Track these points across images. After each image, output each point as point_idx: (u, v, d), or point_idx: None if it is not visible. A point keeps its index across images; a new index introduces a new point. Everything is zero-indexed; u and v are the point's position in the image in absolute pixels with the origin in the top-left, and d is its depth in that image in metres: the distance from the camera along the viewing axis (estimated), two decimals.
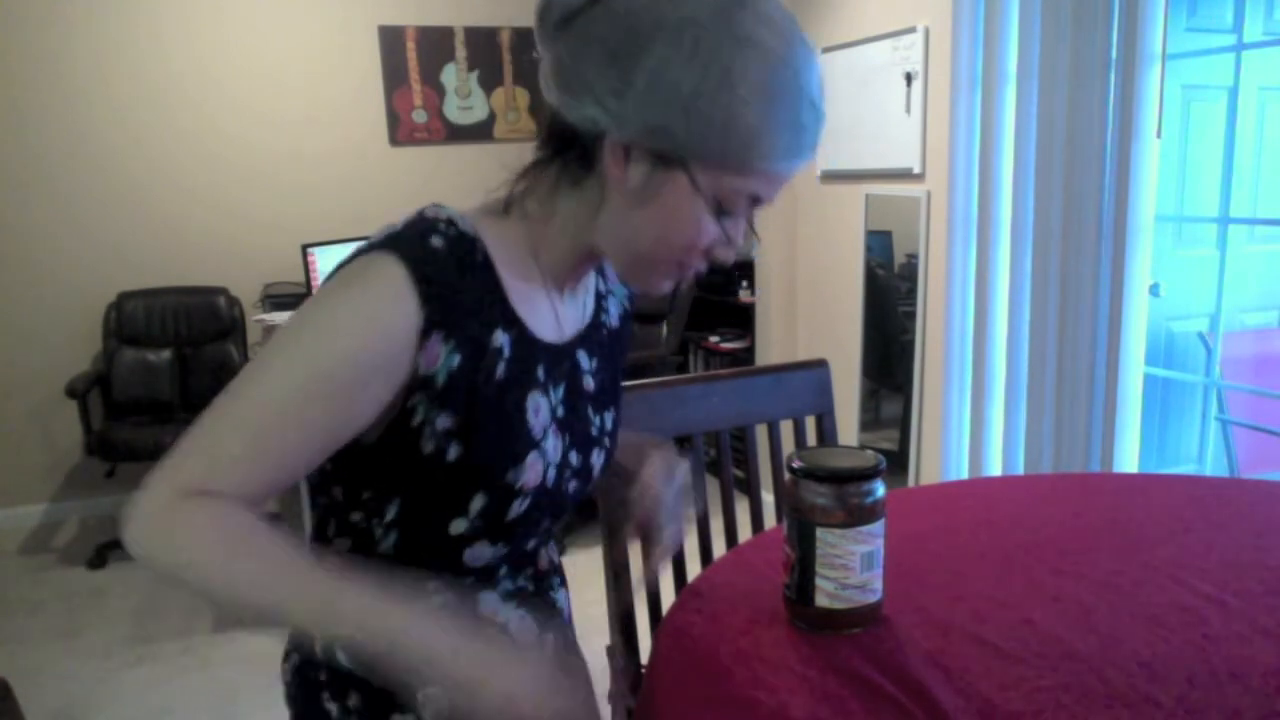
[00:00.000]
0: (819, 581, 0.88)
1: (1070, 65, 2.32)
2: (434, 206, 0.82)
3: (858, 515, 0.86)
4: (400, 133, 4.26)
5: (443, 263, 0.77)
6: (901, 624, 0.96)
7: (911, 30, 3.06)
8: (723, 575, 1.10)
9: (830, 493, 0.88)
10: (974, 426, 2.81)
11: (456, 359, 0.78)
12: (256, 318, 3.39)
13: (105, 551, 3.55)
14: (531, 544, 0.93)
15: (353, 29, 4.15)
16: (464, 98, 4.33)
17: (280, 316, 3.26)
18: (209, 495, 0.72)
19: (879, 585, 0.91)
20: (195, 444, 0.73)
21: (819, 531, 0.86)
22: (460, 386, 0.78)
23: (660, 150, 0.74)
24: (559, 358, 0.89)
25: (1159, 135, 2.22)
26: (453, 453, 0.80)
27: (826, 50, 3.56)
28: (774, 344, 4.00)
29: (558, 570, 1.03)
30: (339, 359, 0.74)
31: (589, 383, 0.93)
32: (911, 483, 3.28)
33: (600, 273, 0.99)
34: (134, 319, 3.83)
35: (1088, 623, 0.95)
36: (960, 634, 0.93)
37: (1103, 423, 2.37)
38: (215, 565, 0.71)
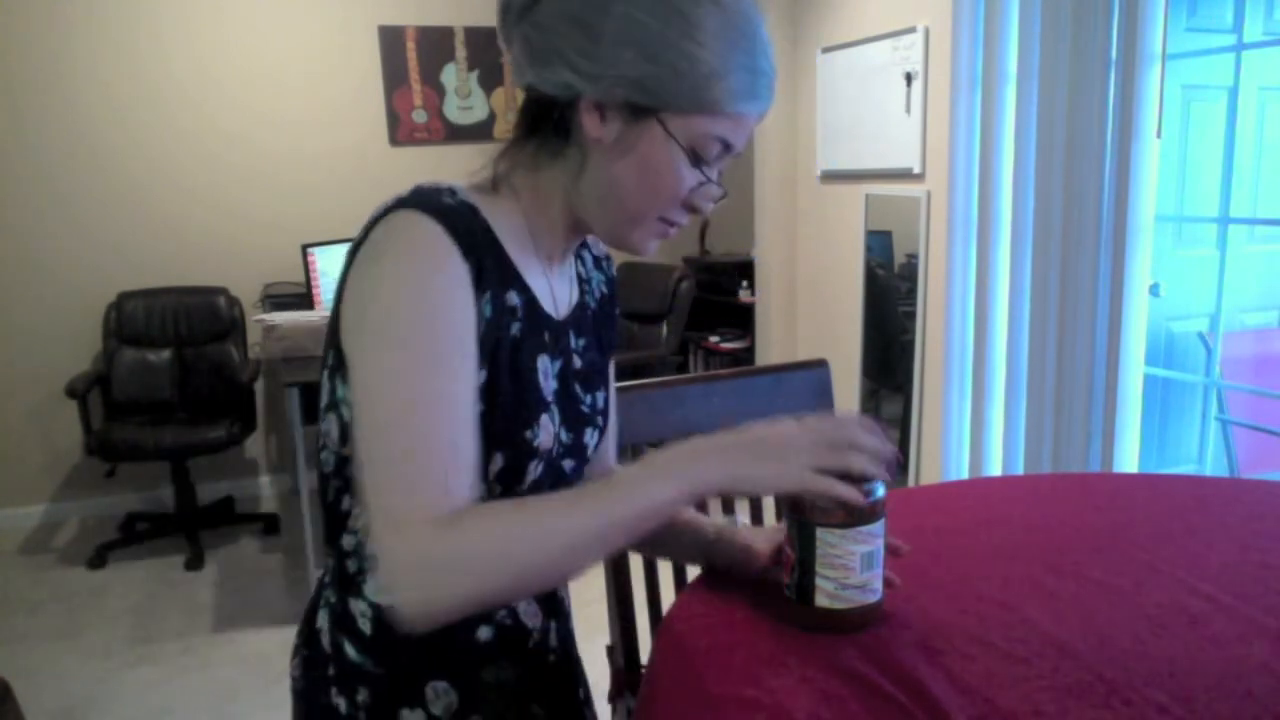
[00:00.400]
0: (819, 582, 0.88)
1: (1070, 65, 2.32)
2: (427, 182, 0.84)
3: (858, 515, 0.85)
4: (400, 133, 4.26)
5: (464, 219, 0.80)
6: (901, 624, 0.96)
7: (911, 30, 3.06)
8: (723, 575, 1.10)
9: None
10: (974, 426, 2.81)
11: (489, 311, 0.80)
12: (256, 318, 3.39)
13: (105, 551, 3.55)
14: None
15: (353, 29, 4.15)
16: (464, 98, 4.33)
17: (280, 316, 3.25)
18: (435, 519, 0.71)
19: (879, 585, 0.91)
20: (387, 485, 0.72)
21: (819, 532, 0.86)
22: (489, 340, 0.80)
23: (633, 102, 0.78)
24: (557, 332, 0.91)
25: (1159, 135, 2.22)
26: (479, 408, 0.80)
27: (826, 50, 3.56)
28: (774, 344, 4.00)
29: None
30: (435, 326, 0.74)
31: (577, 362, 0.95)
32: (911, 483, 3.28)
33: (578, 256, 1.01)
34: (134, 319, 3.83)
35: (1088, 623, 0.95)
36: (960, 634, 0.93)
37: (1103, 423, 2.38)
38: (504, 558, 0.71)
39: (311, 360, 3.19)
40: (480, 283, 0.79)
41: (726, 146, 0.82)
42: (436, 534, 0.70)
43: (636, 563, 1.53)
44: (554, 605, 0.99)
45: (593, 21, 0.77)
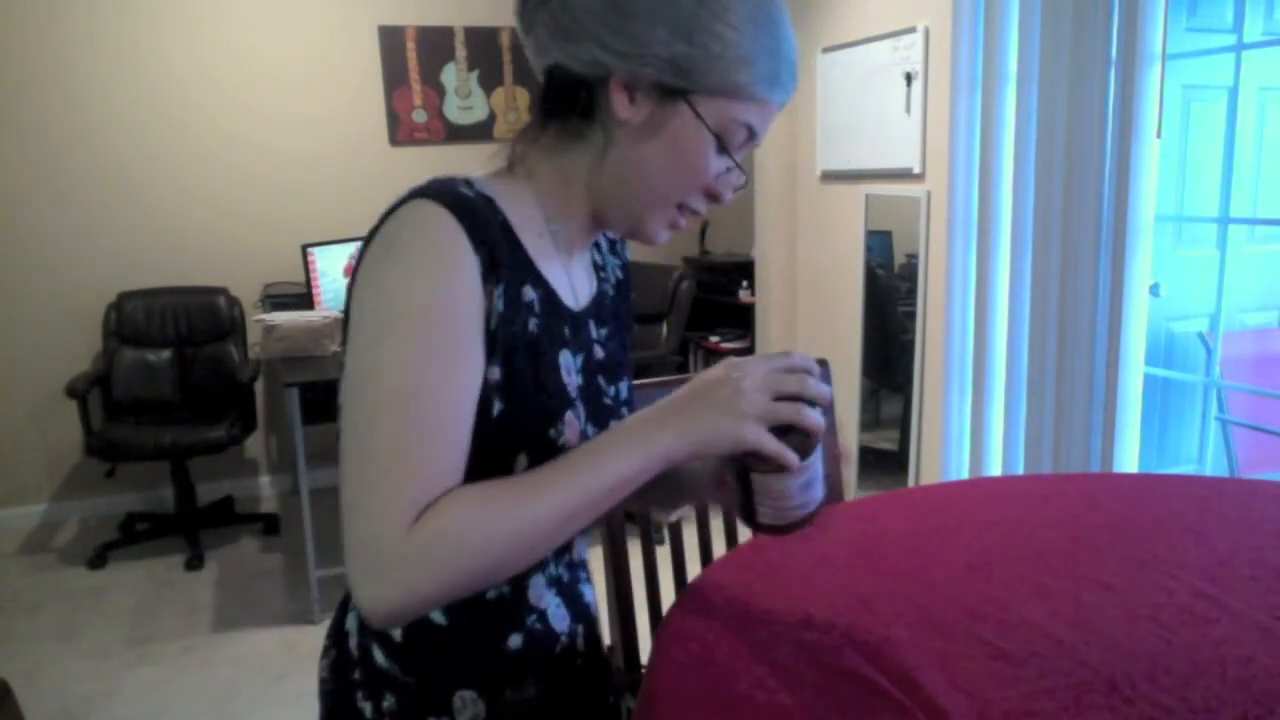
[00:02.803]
0: (759, 507, 0.86)
1: (1070, 65, 2.32)
2: (444, 175, 0.83)
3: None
4: (400, 133, 4.26)
5: (479, 211, 0.78)
6: (901, 624, 0.96)
7: (911, 30, 3.05)
8: (723, 575, 1.10)
9: None
10: (974, 426, 2.81)
11: (501, 305, 0.78)
12: (256, 318, 3.38)
13: (105, 551, 3.55)
14: None
15: (353, 29, 4.15)
16: (464, 98, 4.33)
17: (280, 316, 3.25)
18: (427, 510, 0.71)
19: (819, 492, 0.87)
20: (369, 480, 0.71)
21: (753, 476, 0.85)
22: (502, 336, 0.79)
23: (663, 82, 0.78)
24: (577, 324, 0.89)
25: (1159, 135, 2.22)
26: (496, 408, 0.79)
27: (826, 50, 3.56)
28: (774, 344, 4.00)
29: (584, 565, 1.03)
30: (438, 317, 0.73)
31: (599, 352, 0.93)
32: (911, 483, 3.28)
33: (595, 246, 0.99)
34: (134, 319, 3.83)
35: (1088, 623, 0.95)
36: (960, 634, 0.93)
37: (1103, 423, 2.37)
38: (491, 539, 0.71)
39: (312, 360, 3.19)
40: (493, 275, 0.77)
41: (751, 134, 0.82)
42: (408, 534, 0.70)
43: (636, 563, 1.53)
44: (582, 610, 0.98)
45: (624, 2, 0.77)
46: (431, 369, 0.73)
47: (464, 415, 0.76)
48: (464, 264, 0.75)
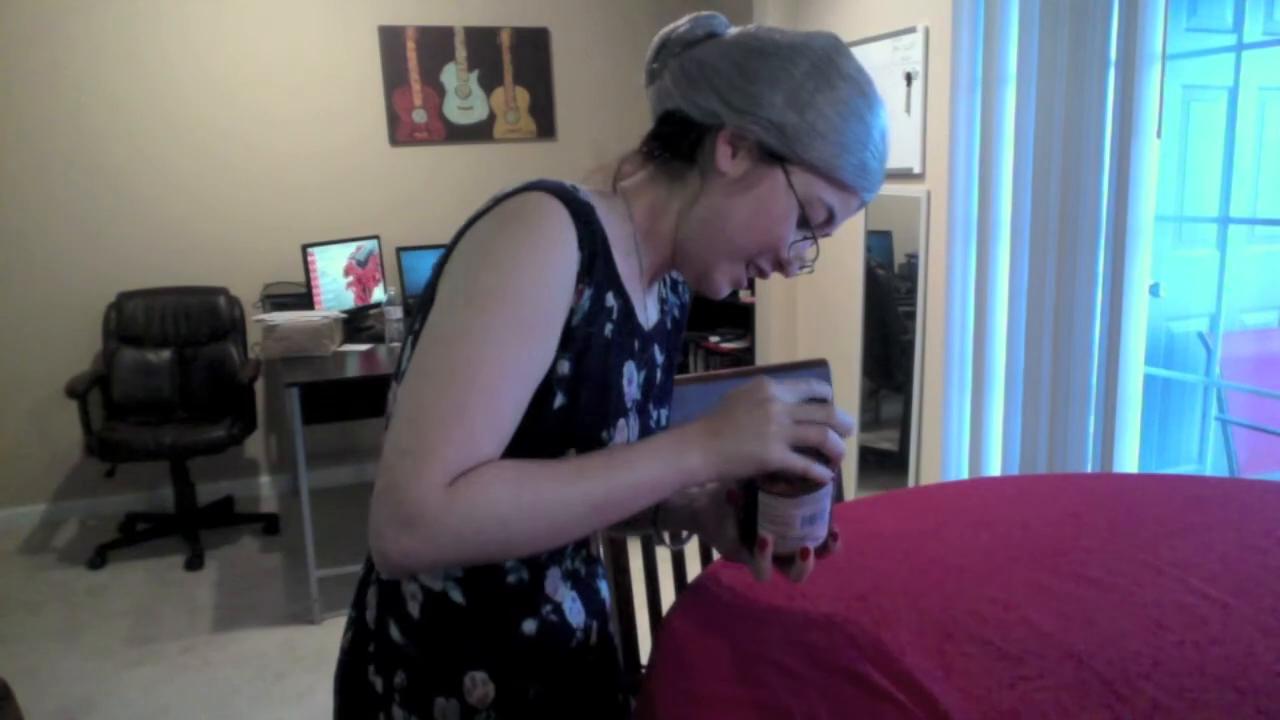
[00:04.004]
0: (761, 530, 0.86)
1: (1070, 65, 2.32)
2: (549, 177, 0.86)
3: (800, 486, 0.83)
4: (400, 133, 4.26)
5: (587, 212, 0.82)
6: (901, 624, 0.96)
7: (911, 30, 3.06)
8: (723, 575, 1.10)
9: None
10: (974, 426, 2.81)
11: (587, 304, 0.82)
12: (256, 318, 3.39)
13: (105, 551, 3.55)
14: None
15: (353, 29, 4.15)
16: (464, 98, 4.33)
17: (280, 316, 3.26)
18: (464, 474, 0.73)
19: (823, 532, 0.87)
20: (423, 433, 0.73)
21: (761, 496, 0.85)
22: (582, 333, 0.82)
23: (766, 145, 0.83)
24: (646, 341, 0.93)
25: (1159, 135, 2.22)
26: (559, 400, 0.82)
27: None
28: (774, 344, 4.00)
29: (600, 561, 1.05)
30: (531, 297, 0.77)
31: (658, 375, 0.98)
32: (911, 483, 3.28)
33: (663, 281, 1.03)
34: (134, 319, 3.83)
35: (1088, 623, 0.95)
36: (960, 634, 0.93)
37: (1103, 423, 2.37)
38: (498, 527, 0.73)
39: (312, 360, 3.19)
40: (588, 275, 0.81)
41: (831, 216, 0.87)
42: (445, 493, 0.72)
43: (637, 563, 1.53)
44: (597, 605, 0.99)
45: (752, 66, 0.84)
46: (508, 344, 0.76)
47: (524, 395, 0.78)
48: (567, 257, 0.79)
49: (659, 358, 0.98)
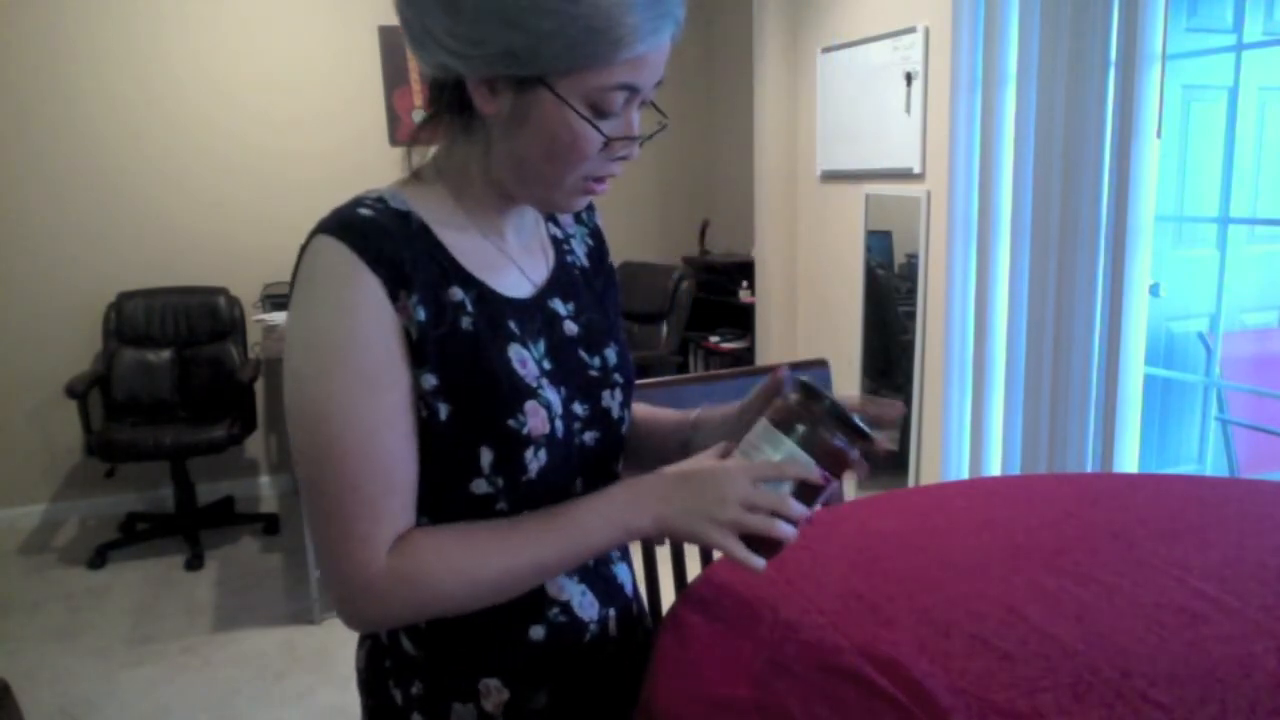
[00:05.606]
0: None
1: (1070, 65, 2.32)
2: (365, 192, 0.84)
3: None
4: (400, 133, 4.26)
5: (377, 229, 0.79)
6: (901, 624, 0.96)
7: (911, 30, 3.06)
8: (723, 575, 1.10)
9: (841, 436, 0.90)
10: (974, 426, 2.81)
11: (422, 313, 0.79)
12: (256, 318, 3.39)
13: (105, 551, 3.55)
14: None
15: (353, 29, 4.15)
16: None
17: (280, 316, 3.26)
18: (378, 547, 0.78)
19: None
20: (330, 515, 0.77)
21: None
22: (430, 340, 0.80)
23: (513, 74, 0.76)
24: (530, 311, 0.89)
25: (1159, 135, 2.22)
26: (443, 412, 0.81)
27: (826, 50, 3.56)
28: (774, 344, 4.00)
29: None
30: (356, 349, 0.76)
31: (570, 328, 0.93)
32: (911, 483, 3.28)
33: (552, 219, 1.00)
34: (134, 319, 3.83)
35: (1088, 623, 0.95)
36: (960, 634, 0.93)
37: (1103, 423, 2.37)
38: (441, 590, 0.79)
39: None
40: (403, 286, 0.78)
41: (632, 90, 0.78)
42: (386, 564, 0.77)
43: (637, 563, 1.52)
44: (614, 591, 0.97)
45: (449, 3, 0.74)
46: (360, 402, 0.76)
47: (401, 437, 0.79)
48: (364, 288, 0.76)
49: (565, 309, 0.93)
